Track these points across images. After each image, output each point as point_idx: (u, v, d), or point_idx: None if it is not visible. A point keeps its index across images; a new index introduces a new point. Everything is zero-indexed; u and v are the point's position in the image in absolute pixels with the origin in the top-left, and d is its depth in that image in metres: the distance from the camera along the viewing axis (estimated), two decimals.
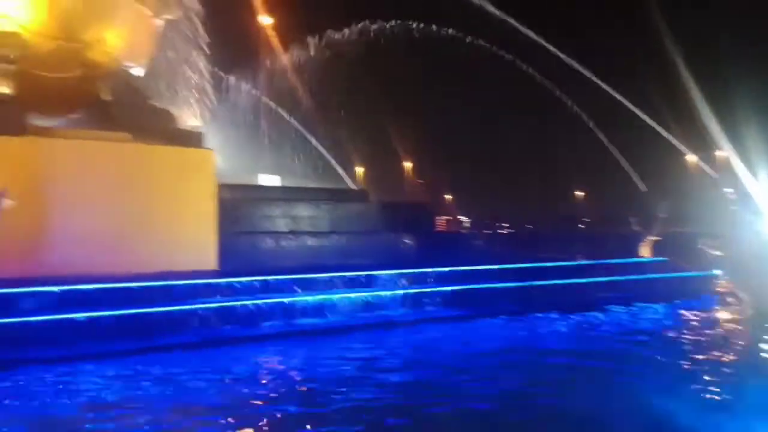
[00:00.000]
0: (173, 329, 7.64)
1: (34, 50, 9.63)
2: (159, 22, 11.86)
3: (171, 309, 7.91)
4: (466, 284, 9.89)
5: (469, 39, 19.52)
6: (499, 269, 10.71)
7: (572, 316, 9.31)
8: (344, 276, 9.56)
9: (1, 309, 7.24)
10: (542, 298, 9.98)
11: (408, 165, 48.34)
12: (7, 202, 5.12)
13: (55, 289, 7.72)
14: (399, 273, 10.07)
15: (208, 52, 12.36)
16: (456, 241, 15.90)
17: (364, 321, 8.70)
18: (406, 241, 12.45)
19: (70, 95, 10.55)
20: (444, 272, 10.18)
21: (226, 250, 9.93)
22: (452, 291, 9.71)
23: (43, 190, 8.85)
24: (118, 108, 10.79)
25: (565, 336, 8.43)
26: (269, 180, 20.26)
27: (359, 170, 44.12)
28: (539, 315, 9.27)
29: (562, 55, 20.98)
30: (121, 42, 10.97)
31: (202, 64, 12.41)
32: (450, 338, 8.16)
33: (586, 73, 21.60)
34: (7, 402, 5.22)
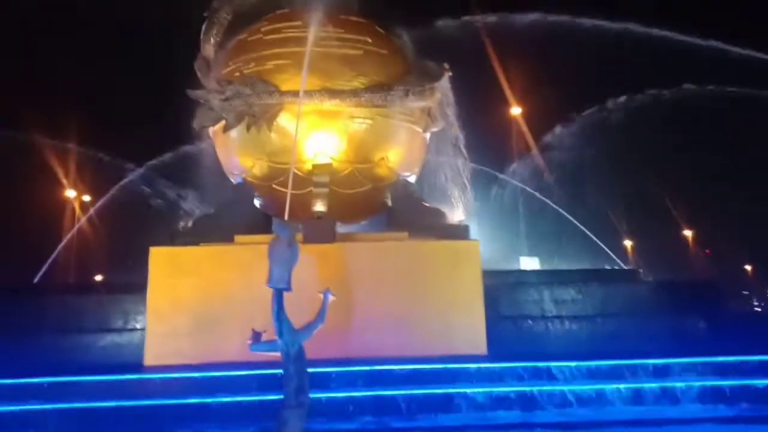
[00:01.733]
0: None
1: (338, 174, 12.30)
2: (427, 135, 13.91)
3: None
4: None
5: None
6: None
7: None
8: (623, 364, 9.16)
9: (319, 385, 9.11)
10: None
11: (689, 233, 42.75)
12: (332, 298, 6.71)
13: (363, 368, 9.26)
14: (690, 362, 9.17)
15: (465, 152, 13.87)
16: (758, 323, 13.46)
17: (646, 416, 8.16)
18: (697, 323, 11.24)
19: (363, 205, 13.07)
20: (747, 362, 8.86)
21: (491, 335, 10.56)
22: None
23: (348, 285, 10.96)
24: (398, 211, 12.90)
25: None
26: (529, 262, 20.54)
27: (628, 244, 40.92)
28: None
29: None
30: (399, 157, 13.18)
31: (461, 162, 13.94)
32: None
33: None
34: None
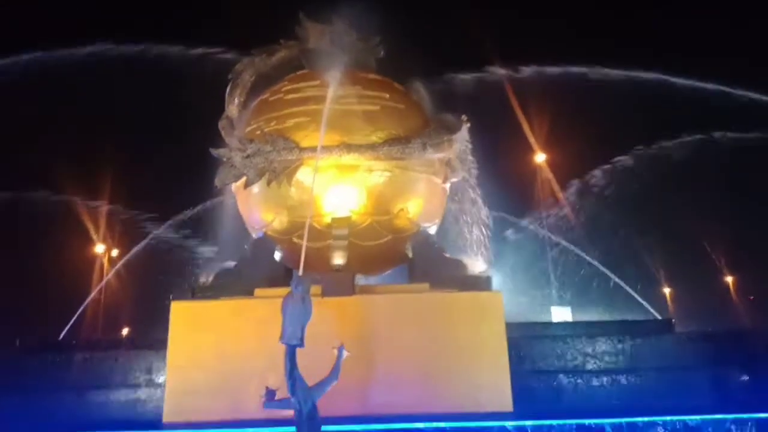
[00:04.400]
0: None
1: (357, 226, 12.36)
2: (447, 186, 13.95)
3: None
4: None
5: None
6: None
7: None
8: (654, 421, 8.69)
9: None
10: None
11: (729, 279, 41.14)
12: (346, 354, 6.60)
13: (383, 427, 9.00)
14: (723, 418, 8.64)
15: (484, 201, 13.86)
16: None
17: None
18: (742, 377, 10.65)
19: (383, 257, 13.02)
20: None
21: (518, 390, 10.16)
22: None
23: (368, 340, 10.79)
24: (419, 263, 12.76)
25: None
26: (561, 312, 19.98)
27: (667, 291, 39.53)
28: None
29: None
30: (419, 208, 13.19)
31: (483, 212, 13.89)
32: None
33: None
34: None
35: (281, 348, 6.73)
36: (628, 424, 8.86)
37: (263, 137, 12.27)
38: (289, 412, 6.09)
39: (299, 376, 6.10)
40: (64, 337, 17.56)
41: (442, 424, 9.04)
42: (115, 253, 24.75)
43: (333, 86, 11.78)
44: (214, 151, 12.40)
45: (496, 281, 12.62)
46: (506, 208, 21.46)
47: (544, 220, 24.15)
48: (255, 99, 13.64)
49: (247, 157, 11.97)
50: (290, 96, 12.85)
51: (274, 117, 12.64)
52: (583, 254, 21.40)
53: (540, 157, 27.95)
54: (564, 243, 22.21)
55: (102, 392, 11.27)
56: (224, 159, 12.40)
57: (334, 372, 6.46)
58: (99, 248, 25.06)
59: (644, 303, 19.01)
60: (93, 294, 21.34)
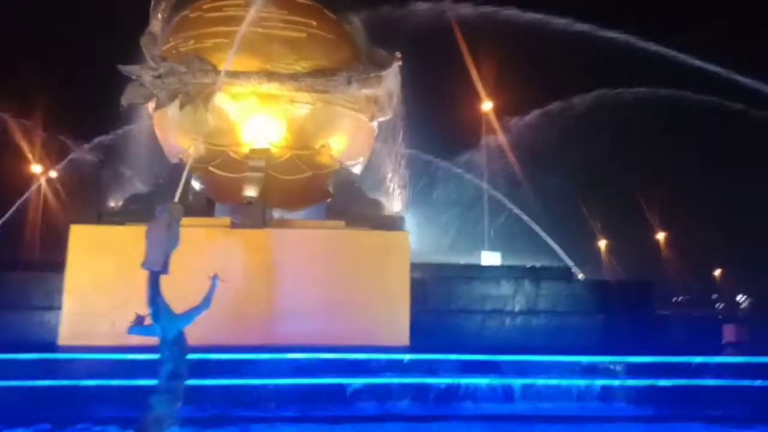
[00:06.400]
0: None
1: (276, 159, 12.07)
2: (374, 124, 13.72)
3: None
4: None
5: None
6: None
7: None
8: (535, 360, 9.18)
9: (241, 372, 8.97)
10: None
11: (661, 236, 43.33)
12: (219, 283, 6.54)
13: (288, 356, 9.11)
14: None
15: (410, 142, 13.74)
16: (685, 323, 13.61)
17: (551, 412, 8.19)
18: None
19: (302, 193, 12.85)
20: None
21: (419, 327, 10.48)
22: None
23: (275, 273, 10.79)
24: (338, 201, 12.67)
25: None
26: (491, 257, 20.54)
27: (602, 244, 41.33)
28: None
29: None
30: (343, 145, 12.96)
31: (403, 152, 13.82)
32: None
33: None
34: None
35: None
36: (520, 362, 9.30)
37: (178, 57, 11.59)
38: (155, 339, 6.04)
39: (162, 302, 6.01)
40: None
41: (341, 356, 9.25)
42: (35, 171, 23.50)
43: (255, 7, 11.11)
44: (123, 68, 11.62)
45: (422, 224, 12.73)
46: (443, 151, 21.49)
47: (482, 166, 24.30)
48: (177, 15, 12.79)
49: (159, 77, 11.30)
50: (211, 14, 12.10)
51: (193, 36, 11.92)
52: (509, 203, 21.81)
53: (486, 105, 27.72)
54: (491, 190, 22.48)
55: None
56: (134, 77, 11.66)
57: (206, 301, 6.40)
58: (18, 166, 23.72)
59: (561, 252, 19.70)
60: (8, 214, 20.33)
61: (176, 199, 6.59)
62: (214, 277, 6.50)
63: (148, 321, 6.03)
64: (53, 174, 23.58)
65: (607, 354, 9.50)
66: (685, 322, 13.89)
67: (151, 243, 5.99)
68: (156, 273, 5.95)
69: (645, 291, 12.35)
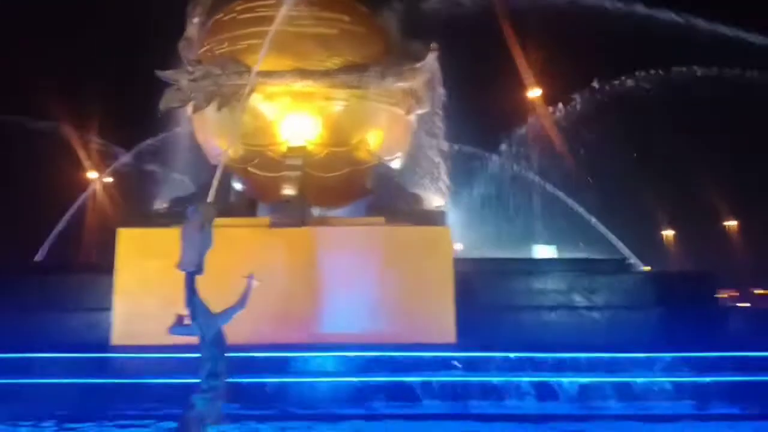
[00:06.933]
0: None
1: (313, 157, 12.04)
2: (411, 118, 13.47)
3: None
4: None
5: None
6: None
7: None
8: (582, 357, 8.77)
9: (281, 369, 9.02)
10: None
11: (731, 224, 40.66)
12: (255, 284, 6.54)
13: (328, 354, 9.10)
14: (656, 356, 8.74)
15: (451, 135, 13.41)
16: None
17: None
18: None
19: (341, 190, 12.78)
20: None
21: (465, 324, 10.21)
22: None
23: (317, 271, 10.76)
24: (378, 197, 12.53)
25: None
26: (545, 250, 19.89)
27: (668, 234, 39.32)
28: None
29: None
30: (380, 140, 12.81)
31: (445, 146, 13.52)
32: None
33: None
34: None
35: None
36: (571, 359, 8.95)
37: (213, 59, 11.72)
38: (195, 338, 6.09)
39: (199, 302, 6.05)
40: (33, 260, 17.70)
41: (387, 353, 9.13)
42: (88, 177, 24.50)
43: (285, 6, 11.06)
44: (160, 73, 11.85)
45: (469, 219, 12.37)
46: (488, 143, 20.94)
47: (534, 157, 23.48)
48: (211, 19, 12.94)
49: (194, 80, 11.46)
50: (244, 16, 12.17)
51: (227, 38, 12.04)
52: (564, 196, 21.01)
53: (534, 92, 26.67)
54: (543, 183, 21.70)
55: (56, 315, 11.33)
56: (171, 82, 11.87)
57: (242, 300, 6.41)
58: (72, 175, 24.80)
59: (619, 244, 18.84)
60: (66, 217, 21.28)
61: (210, 199, 6.53)
62: (250, 277, 6.50)
63: (187, 321, 6.08)
64: (107, 179, 24.60)
65: (682, 351, 8.97)
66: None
67: (186, 244, 6.03)
68: (191, 274, 5.98)
69: (707, 282, 11.61)
